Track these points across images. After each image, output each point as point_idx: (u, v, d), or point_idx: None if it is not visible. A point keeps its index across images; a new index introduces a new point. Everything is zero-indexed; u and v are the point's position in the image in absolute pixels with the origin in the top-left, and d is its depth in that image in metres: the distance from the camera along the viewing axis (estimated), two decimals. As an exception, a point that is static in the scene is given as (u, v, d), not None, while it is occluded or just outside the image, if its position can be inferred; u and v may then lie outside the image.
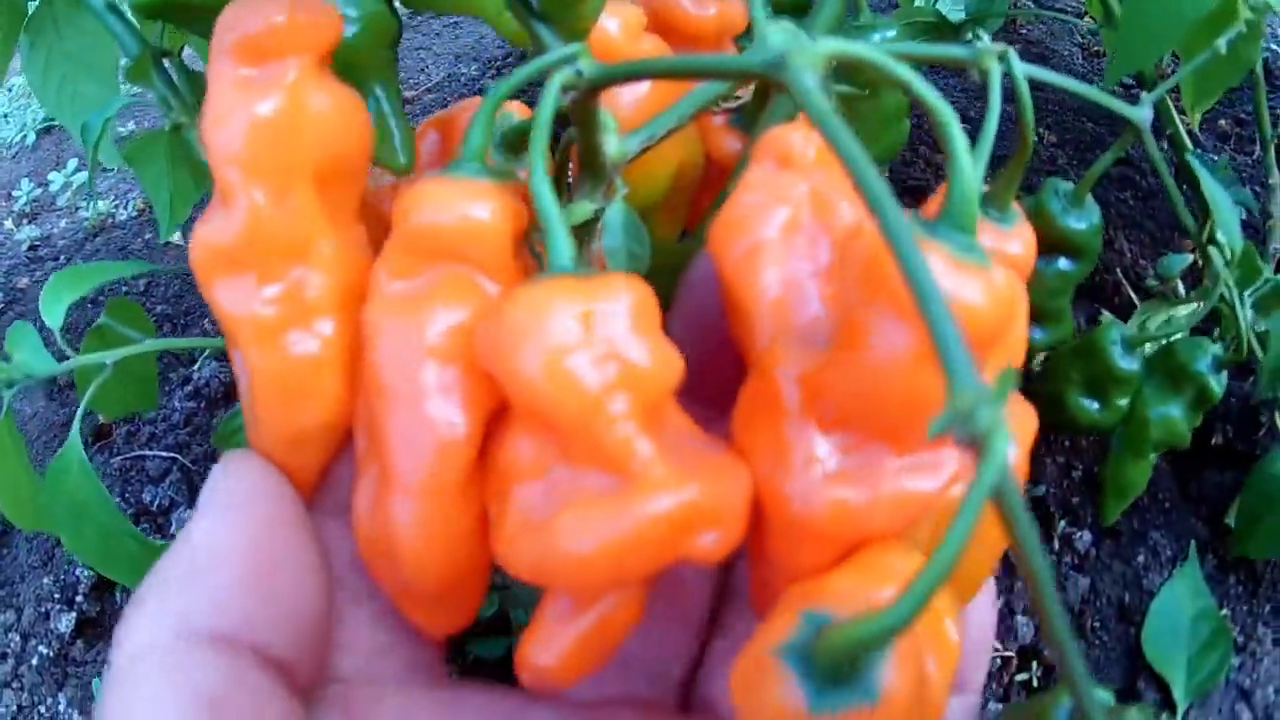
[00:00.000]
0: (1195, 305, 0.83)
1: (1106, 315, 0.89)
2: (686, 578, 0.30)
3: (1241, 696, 0.80)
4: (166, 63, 0.50)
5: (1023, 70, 0.36)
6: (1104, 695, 0.21)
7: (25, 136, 1.60)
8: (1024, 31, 1.30)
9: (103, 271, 0.60)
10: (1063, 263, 0.59)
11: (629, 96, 0.41)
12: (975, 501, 0.17)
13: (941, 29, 0.75)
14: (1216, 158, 0.87)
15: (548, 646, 0.24)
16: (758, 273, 0.26)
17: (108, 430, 0.97)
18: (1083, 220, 0.58)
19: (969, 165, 0.22)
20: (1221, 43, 0.64)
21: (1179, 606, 0.80)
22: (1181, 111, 1.05)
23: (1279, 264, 0.92)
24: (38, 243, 1.33)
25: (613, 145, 0.30)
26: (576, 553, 0.22)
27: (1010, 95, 0.37)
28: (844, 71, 0.53)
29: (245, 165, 0.26)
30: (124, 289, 1.14)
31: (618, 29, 0.41)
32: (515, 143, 0.38)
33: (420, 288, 0.25)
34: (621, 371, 0.23)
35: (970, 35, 0.71)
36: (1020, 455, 0.26)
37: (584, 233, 0.33)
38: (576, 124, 0.29)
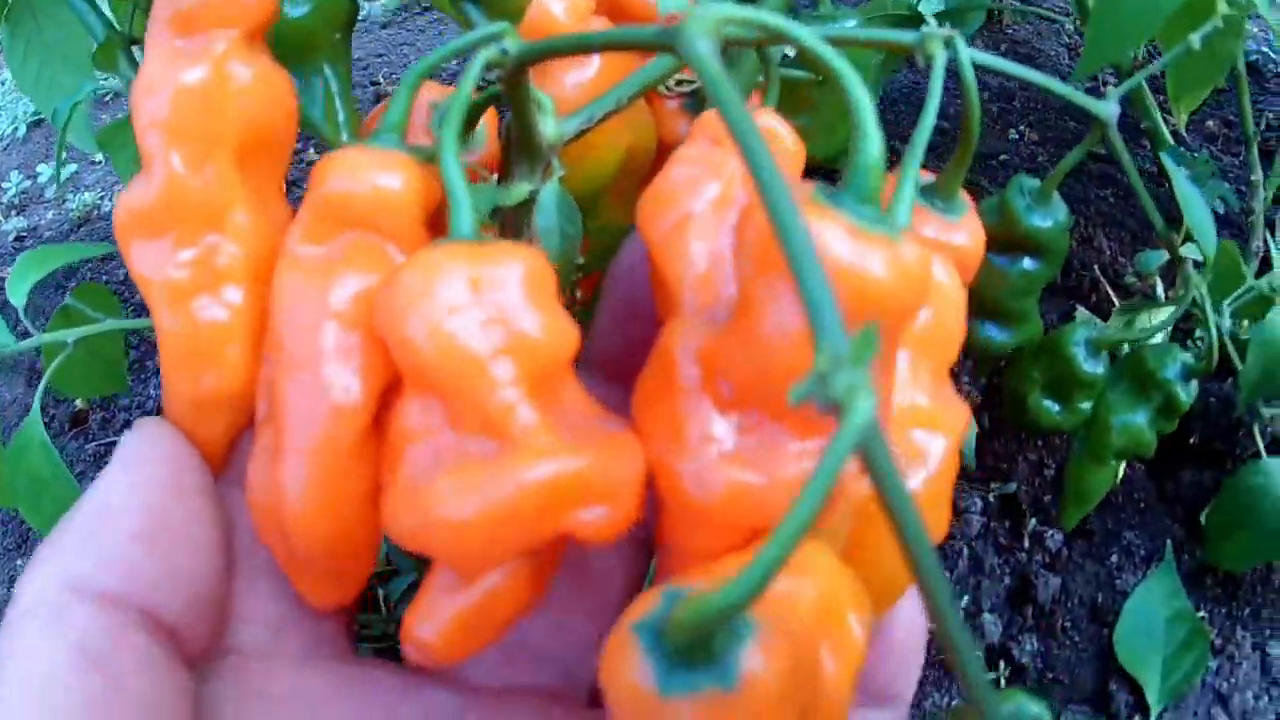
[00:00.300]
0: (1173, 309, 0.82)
1: (1082, 313, 0.89)
2: (601, 568, 0.30)
3: (1218, 701, 0.80)
4: (137, 50, 0.51)
5: (972, 57, 0.35)
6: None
7: (16, 129, 1.61)
8: (1010, 31, 1.30)
9: (69, 252, 0.60)
10: (1027, 262, 0.58)
11: (573, 80, 0.41)
12: (830, 466, 0.16)
13: (913, 23, 0.75)
14: (1198, 154, 0.87)
15: (429, 619, 0.24)
16: (684, 246, 0.26)
17: (84, 417, 0.98)
18: (1048, 218, 0.57)
19: (875, 135, 0.21)
20: (1195, 38, 0.63)
21: (1154, 607, 0.79)
22: (1169, 112, 1.05)
23: (1262, 262, 0.92)
24: (24, 233, 1.34)
25: (550, 127, 0.31)
26: (451, 518, 0.21)
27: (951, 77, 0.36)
28: (800, 60, 0.53)
29: (166, 131, 0.26)
30: (104, 276, 1.15)
31: (562, 11, 0.40)
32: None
33: (329, 254, 0.25)
34: (509, 338, 0.22)
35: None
36: (949, 448, 0.26)
37: (522, 214, 0.33)
38: (509, 104, 0.29)
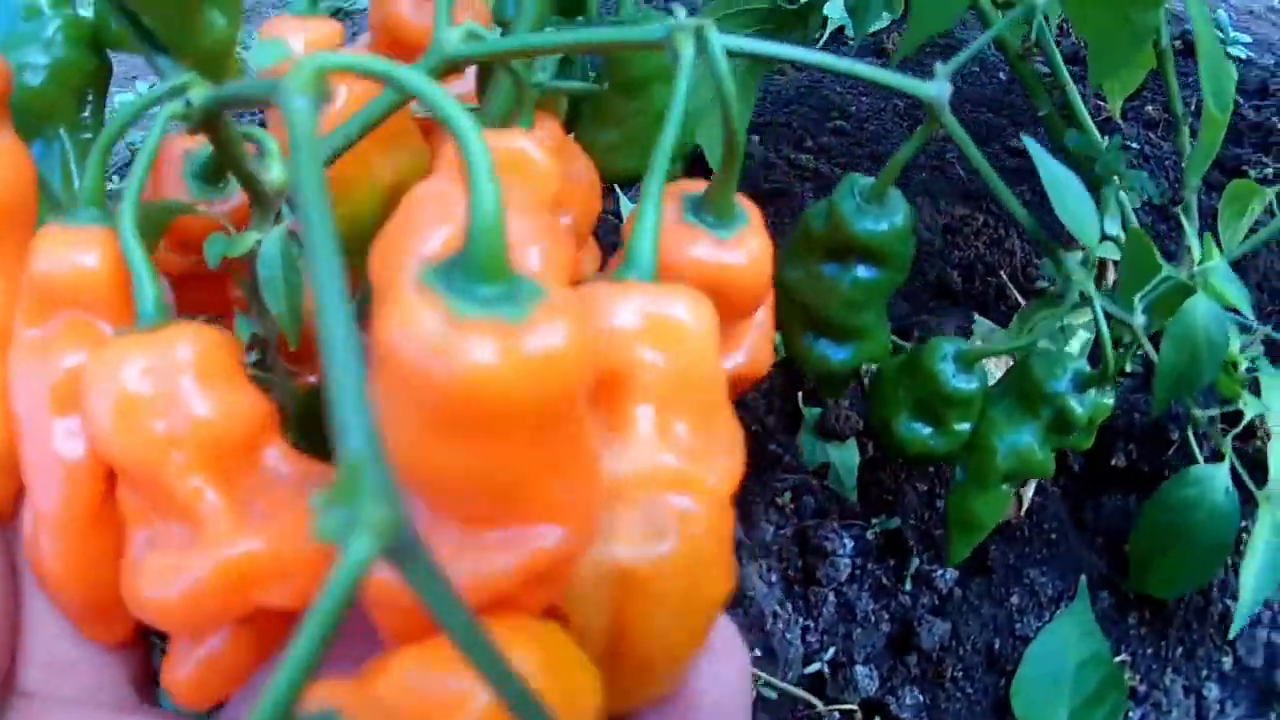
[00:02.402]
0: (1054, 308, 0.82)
1: (981, 323, 0.90)
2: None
3: (1143, 753, 0.79)
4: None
5: (724, 43, 0.33)
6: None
7: None
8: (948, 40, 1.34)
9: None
10: (861, 270, 0.56)
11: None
12: (326, 607, 0.17)
13: (779, 19, 0.77)
14: (1110, 140, 0.88)
15: (177, 668, 0.30)
16: None
17: None
18: (882, 220, 0.55)
19: (488, 195, 0.21)
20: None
21: (1062, 651, 0.78)
22: (1102, 100, 1.09)
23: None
24: None
25: (274, 170, 0.34)
26: (156, 599, 0.28)
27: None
28: (609, 68, 0.55)
29: None
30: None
31: (301, 48, 0.43)
32: (209, 174, 0.41)
33: (46, 334, 0.31)
34: (185, 425, 0.27)
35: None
36: (709, 506, 0.27)
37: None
38: (220, 153, 0.32)
